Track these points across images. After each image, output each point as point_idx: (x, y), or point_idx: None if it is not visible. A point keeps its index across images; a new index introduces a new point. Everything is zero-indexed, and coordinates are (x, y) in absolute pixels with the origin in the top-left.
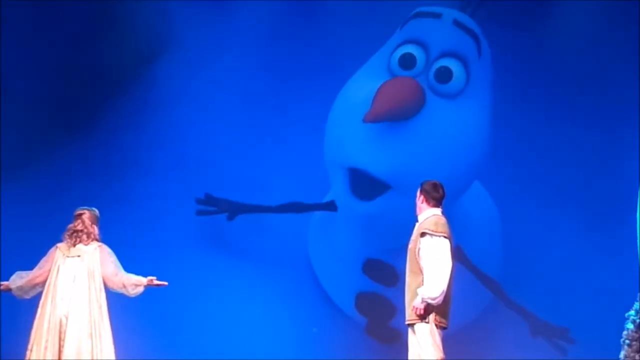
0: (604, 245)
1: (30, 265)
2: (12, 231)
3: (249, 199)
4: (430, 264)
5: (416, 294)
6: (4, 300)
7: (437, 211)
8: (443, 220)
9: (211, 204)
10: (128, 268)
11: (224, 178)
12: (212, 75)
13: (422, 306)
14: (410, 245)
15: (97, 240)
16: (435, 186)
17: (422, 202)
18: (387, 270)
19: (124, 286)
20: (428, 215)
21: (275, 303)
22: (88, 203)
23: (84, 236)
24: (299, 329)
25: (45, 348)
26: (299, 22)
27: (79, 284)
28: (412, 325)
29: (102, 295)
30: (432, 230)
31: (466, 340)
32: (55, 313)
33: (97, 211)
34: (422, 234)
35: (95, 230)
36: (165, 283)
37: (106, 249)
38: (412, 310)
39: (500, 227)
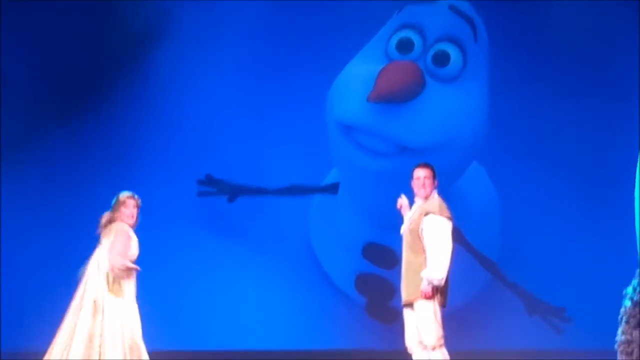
0: (601, 224)
1: (30, 248)
2: (12, 211)
3: (250, 180)
4: (434, 245)
5: (417, 273)
6: (4, 292)
7: (436, 192)
8: (444, 202)
9: (212, 186)
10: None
11: (224, 160)
12: (211, 55)
13: (429, 289)
14: (411, 226)
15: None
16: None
17: (430, 184)
18: (387, 253)
19: None
20: (433, 196)
21: (275, 284)
22: (88, 184)
23: None
24: (299, 310)
25: None
26: (299, 2)
27: None
28: (411, 304)
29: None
30: (437, 212)
31: (464, 319)
32: None
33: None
34: (426, 214)
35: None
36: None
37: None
38: (421, 294)
39: (499, 207)
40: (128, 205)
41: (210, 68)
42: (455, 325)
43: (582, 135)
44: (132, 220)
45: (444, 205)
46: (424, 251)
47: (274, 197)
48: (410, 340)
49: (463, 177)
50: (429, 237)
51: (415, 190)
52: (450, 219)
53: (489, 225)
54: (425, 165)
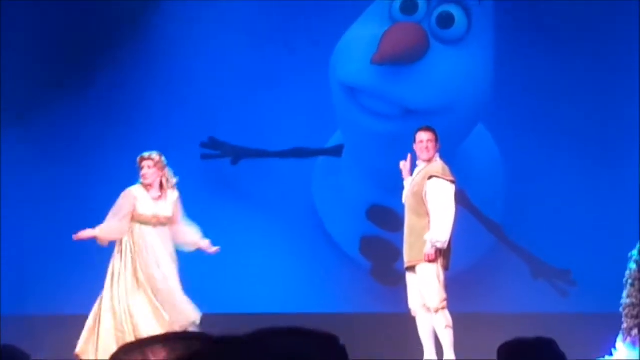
0: (606, 187)
1: (30, 209)
2: (12, 175)
3: (254, 143)
4: (438, 208)
5: (421, 237)
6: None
7: (438, 156)
8: (447, 166)
9: (215, 148)
10: None
11: (228, 122)
12: (214, 18)
13: (432, 252)
14: (414, 189)
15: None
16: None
17: (433, 147)
18: (391, 215)
19: None
20: (436, 159)
21: (279, 247)
22: (90, 149)
23: None
24: (302, 273)
25: None
26: None
27: None
28: (413, 267)
29: None
30: (441, 174)
31: (467, 282)
32: None
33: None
34: (430, 177)
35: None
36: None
37: None
38: (425, 257)
39: (503, 169)
40: (141, 167)
41: (213, 31)
42: (458, 289)
43: (586, 98)
44: (145, 180)
45: (447, 169)
46: (427, 214)
47: (278, 160)
48: (414, 303)
49: (468, 140)
50: (432, 200)
51: (418, 153)
52: (453, 182)
53: (493, 187)
54: (428, 128)
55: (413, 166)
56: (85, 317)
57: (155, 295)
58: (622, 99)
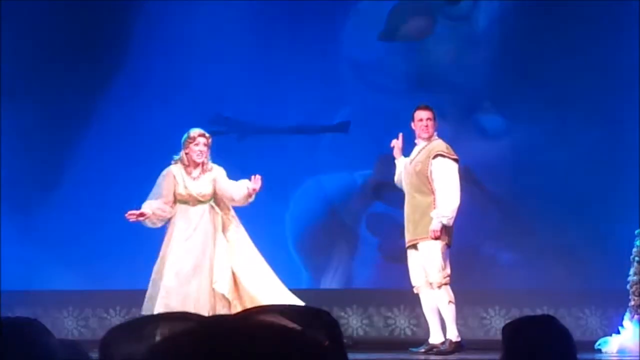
0: (610, 165)
1: (30, 181)
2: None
3: (260, 119)
4: (444, 185)
5: (426, 214)
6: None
7: (436, 135)
8: (447, 144)
9: (221, 124)
10: (141, 187)
11: (234, 98)
12: None
13: (439, 228)
14: (417, 167)
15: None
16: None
17: (432, 125)
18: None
19: None
20: (436, 137)
21: (284, 224)
22: (93, 125)
23: None
24: (310, 250)
25: None
26: None
27: None
28: (416, 244)
29: None
30: (446, 153)
31: (470, 260)
32: None
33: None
34: (435, 156)
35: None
36: None
37: None
38: (431, 234)
39: (510, 144)
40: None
41: (220, 4)
42: (461, 266)
43: (590, 76)
44: (199, 158)
45: (450, 147)
46: (431, 192)
47: (284, 136)
48: (417, 280)
49: (474, 116)
50: (439, 178)
51: (418, 132)
52: (457, 160)
53: (499, 164)
54: (426, 106)
55: (407, 145)
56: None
57: (192, 273)
58: (622, 79)
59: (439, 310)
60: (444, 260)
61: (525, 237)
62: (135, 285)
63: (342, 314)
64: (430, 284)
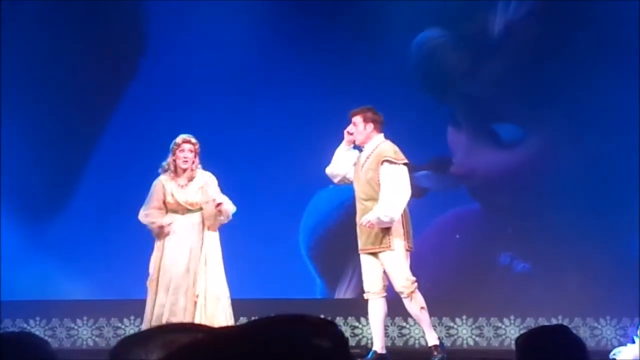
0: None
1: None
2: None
3: (272, 127)
4: (392, 189)
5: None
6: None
7: (382, 136)
8: (396, 146)
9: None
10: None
11: (248, 105)
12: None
13: (375, 221)
14: (368, 175)
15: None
16: (376, 111)
17: (371, 131)
18: None
19: None
20: (378, 142)
21: (298, 233)
22: (106, 134)
23: None
24: (324, 260)
25: None
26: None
27: None
28: (375, 253)
29: None
30: (394, 158)
31: (485, 270)
32: None
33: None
34: (382, 162)
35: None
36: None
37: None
38: (365, 223)
39: (525, 153)
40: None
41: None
42: (478, 275)
43: (607, 85)
44: (184, 165)
45: (398, 150)
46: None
47: (297, 144)
48: (371, 287)
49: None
50: (386, 183)
51: (350, 137)
52: (407, 164)
53: (514, 175)
54: (355, 111)
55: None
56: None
57: (174, 284)
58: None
59: (384, 319)
60: (407, 267)
61: (540, 246)
62: None
63: (357, 323)
64: (401, 293)
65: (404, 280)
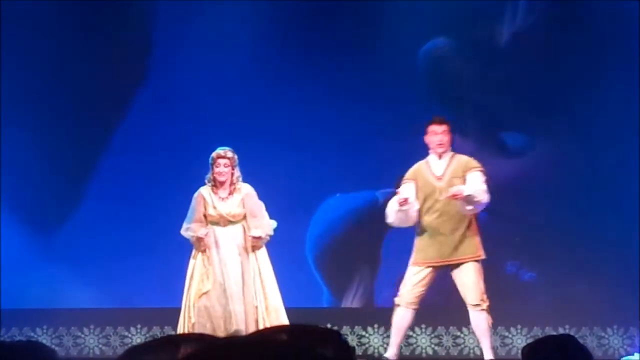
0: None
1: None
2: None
3: (282, 136)
4: (485, 188)
5: (466, 234)
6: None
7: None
8: None
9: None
10: (162, 204)
11: (258, 114)
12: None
13: (464, 196)
14: (456, 184)
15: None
16: None
17: (449, 140)
18: None
19: None
20: (453, 153)
21: (305, 242)
22: (114, 142)
23: None
24: (331, 269)
25: None
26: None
27: None
28: (462, 263)
29: None
30: (481, 168)
31: (492, 279)
32: None
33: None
34: (470, 170)
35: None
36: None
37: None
38: (456, 194)
39: (531, 161)
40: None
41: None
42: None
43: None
44: (220, 177)
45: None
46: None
47: (305, 154)
48: (415, 298)
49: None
50: (480, 184)
51: (433, 146)
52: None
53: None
54: (442, 120)
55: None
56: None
57: (222, 296)
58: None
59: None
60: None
61: (547, 255)
62: (157, 303)
63: (364, 332)
64: (476, 305)
65: (480, 292)
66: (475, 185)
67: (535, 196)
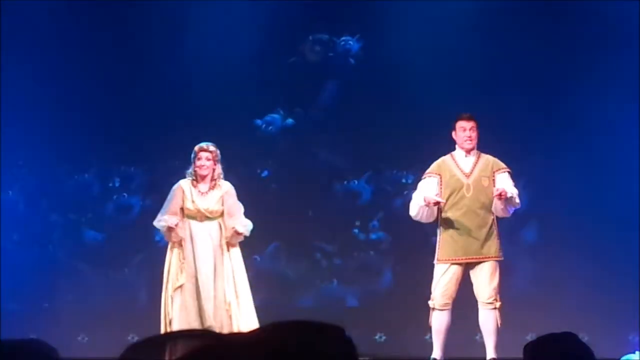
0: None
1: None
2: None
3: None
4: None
5: (492, 233)
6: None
7: None
8: None
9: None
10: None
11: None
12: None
13: (508, 195)
14: (486, 183)
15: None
16: None
17: (477, 137)
18: None
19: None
20: (479, 152)
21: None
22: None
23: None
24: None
25: None
26: None
27: None
28: (484, 261)
29: None
30: (510, 170)
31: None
32: None
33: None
34: (499, 170)
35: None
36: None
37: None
38: (502, 191)
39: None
40: (198, 157)
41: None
42: None
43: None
44: (201, 171)
45: None
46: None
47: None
48: (450, 298)
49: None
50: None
51: (460, 142)
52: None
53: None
54: (470, 116)
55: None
56: None
57: (194, 291)
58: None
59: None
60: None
61: (542, 263)
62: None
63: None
64: (490, 303)
65: (494, 291)
66: (511, 187)
67: (540, 202)
